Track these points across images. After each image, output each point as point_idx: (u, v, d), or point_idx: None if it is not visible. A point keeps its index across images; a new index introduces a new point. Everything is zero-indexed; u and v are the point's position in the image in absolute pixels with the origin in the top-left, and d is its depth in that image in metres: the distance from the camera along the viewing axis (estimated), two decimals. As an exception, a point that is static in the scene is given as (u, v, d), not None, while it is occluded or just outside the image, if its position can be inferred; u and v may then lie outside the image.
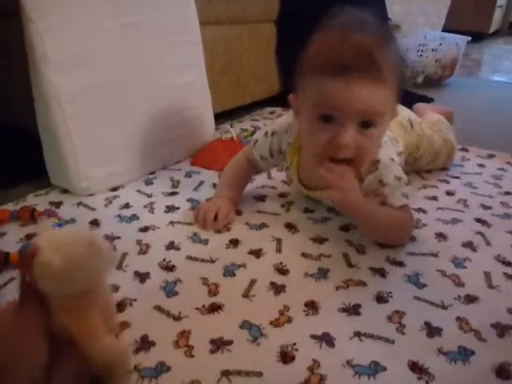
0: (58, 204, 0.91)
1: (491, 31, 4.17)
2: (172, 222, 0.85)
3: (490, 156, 1.25)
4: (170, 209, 0.90)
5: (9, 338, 0.45)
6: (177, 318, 0.61)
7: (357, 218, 0.79)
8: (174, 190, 0.99)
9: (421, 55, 2.13)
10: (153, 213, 0.89)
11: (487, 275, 0.73)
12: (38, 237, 0.48)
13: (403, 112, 1.04)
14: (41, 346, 0.45)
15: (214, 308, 0.63)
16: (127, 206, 0.91)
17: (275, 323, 0.61)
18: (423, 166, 1.10)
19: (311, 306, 0.64)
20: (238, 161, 0.94)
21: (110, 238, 0.79)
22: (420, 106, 1.33)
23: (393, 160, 0.79)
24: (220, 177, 0.97)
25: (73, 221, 0.85)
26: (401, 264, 0.74)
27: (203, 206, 0.86)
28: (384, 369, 0.54)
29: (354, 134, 0.68)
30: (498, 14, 4.20)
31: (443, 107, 1.28)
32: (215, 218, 0.83)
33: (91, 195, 0.94)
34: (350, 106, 0.66)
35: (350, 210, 0.75)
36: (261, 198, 0.96)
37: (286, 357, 0.55)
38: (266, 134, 0.89)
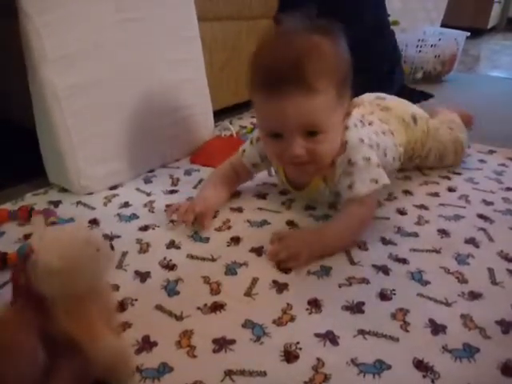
0: (56, 203, 0.90)
1: (489, 27, 4.16)
2: (172, 221, 0.84)
3: (491, 152, 1.24)
4: (170, 207, 0.89)
5: (1, 340, 0.44)
6: (179, 318, 0.60)
7: (323, 247, 0.75)
8: (173, 188, 0.98)
9: (420, 51, 2.12)
10: (153, 211, 0.88)
11: (491, 271, 0.72)
12: (33, 236, 0.47)
13: (406, 107, 1.03)
14: (35, 348, 0.45)
15: (216, 307, 0.62)
16: (127, 204, 0.90)
17: (278, 322, 0.60)
18: (430, 164, 1.09)
19: (314, 305, 0.63)
20: (222, 170, 0.94)
21: (110, 237, 0.78)
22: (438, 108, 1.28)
23: (362, 141, 0.80)
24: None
25: (72, 220, 0.84)
26: (404, 261, 0.74)
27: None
28: (389, 367, 0.54)
29: (302, 145, 0.72)
30: (496, 10, 4.19)
31: (465, 110, 1.26)
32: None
33: (90, 194, 0.93)
34: (288, 124, 0.70)
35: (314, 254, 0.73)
36: (261, 196, 0.95)
37: (290, 356, 0.55)
38: (252, 141, 0.91)
